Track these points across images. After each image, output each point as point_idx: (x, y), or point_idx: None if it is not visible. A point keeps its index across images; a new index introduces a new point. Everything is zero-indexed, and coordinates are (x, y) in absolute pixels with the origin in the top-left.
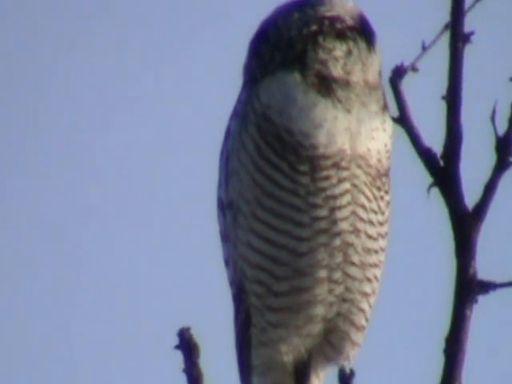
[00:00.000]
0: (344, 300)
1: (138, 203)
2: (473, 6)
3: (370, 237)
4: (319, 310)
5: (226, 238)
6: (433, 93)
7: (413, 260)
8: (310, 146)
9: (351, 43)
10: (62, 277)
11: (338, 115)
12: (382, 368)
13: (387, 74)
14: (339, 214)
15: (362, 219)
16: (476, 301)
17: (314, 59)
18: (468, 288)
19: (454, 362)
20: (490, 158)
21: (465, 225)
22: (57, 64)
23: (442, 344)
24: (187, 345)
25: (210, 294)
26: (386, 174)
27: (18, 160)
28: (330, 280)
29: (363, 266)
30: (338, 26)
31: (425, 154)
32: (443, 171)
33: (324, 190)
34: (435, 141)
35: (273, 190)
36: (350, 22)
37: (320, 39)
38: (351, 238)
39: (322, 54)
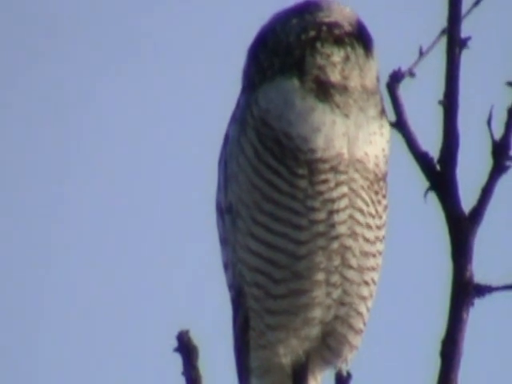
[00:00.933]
0: (342, 303)
1: (138, 207)
2: (469, 11)
3: (367, 240)
4: (317, 313)
5: (224, 241)
6: (430, 98)
7: (410, 263)
8: (308, 150)
9: (349, 49)
10: (62, 277)
11: (336, 120)
12: (378, 370)
13: (385, 79)
14: (337, 218)
15: (359, 223)
16: (472, 304)
17: (312, 65)
18: (464, 291)
19: (450, 365)
20: (486, 163)
21: (461, 228)
22: (57, 65)
23: (438, 346)
24: (186, 347)
25: (208, 297)
26: (384, 179)
27: (18, 160)
28: (328, 283)
29: (361, 269)
30: (336, 31)
31: (422, 159)
32: (440, 175)
33: (322, 193)
34: (432, 145)
35: (271, 194)
36: (347, 27)
37: (318, 45)
38: (349, 242)
39: (320, 60)
